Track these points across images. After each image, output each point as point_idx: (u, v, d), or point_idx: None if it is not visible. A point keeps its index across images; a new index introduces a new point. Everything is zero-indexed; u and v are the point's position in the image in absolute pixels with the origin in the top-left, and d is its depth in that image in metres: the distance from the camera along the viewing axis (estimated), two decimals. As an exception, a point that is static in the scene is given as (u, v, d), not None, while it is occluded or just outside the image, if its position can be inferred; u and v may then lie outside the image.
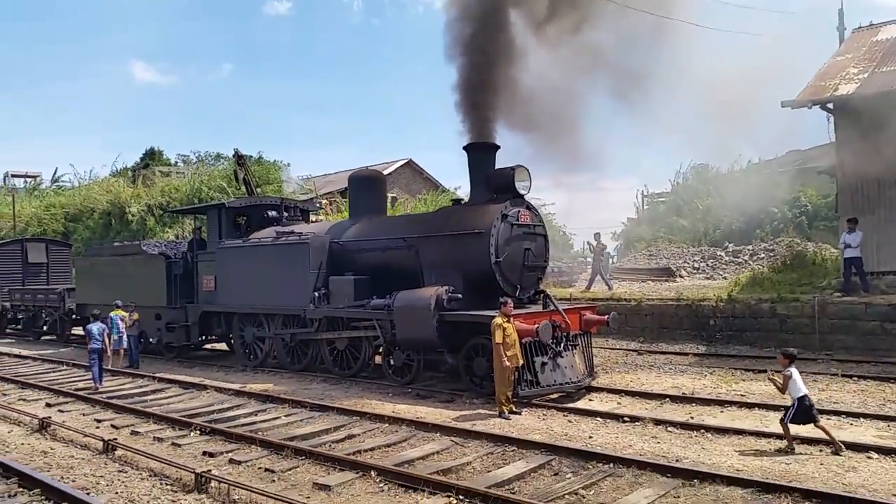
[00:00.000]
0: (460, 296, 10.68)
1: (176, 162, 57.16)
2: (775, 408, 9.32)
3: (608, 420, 9.05)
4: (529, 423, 8.98)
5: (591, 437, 8.25)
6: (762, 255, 22.94)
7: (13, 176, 57.78)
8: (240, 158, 24.82)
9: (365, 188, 13.65)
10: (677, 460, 7.18)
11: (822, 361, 12.63)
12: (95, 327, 12.57)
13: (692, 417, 9.07)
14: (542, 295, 11.31)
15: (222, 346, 17.59)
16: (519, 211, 11.15)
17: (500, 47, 11.68)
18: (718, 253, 24.87)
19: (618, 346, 15.57)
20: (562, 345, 10.47)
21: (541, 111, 12.56)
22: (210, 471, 7.01)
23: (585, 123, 13.02)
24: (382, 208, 13.96)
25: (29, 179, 56.85)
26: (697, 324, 15.41)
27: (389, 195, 44.50)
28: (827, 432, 7.44)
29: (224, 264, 14.62)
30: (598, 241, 18.90)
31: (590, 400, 10.43)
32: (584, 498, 6.27)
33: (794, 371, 7.70)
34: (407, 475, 6.78)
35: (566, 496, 6.29)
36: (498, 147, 11.62)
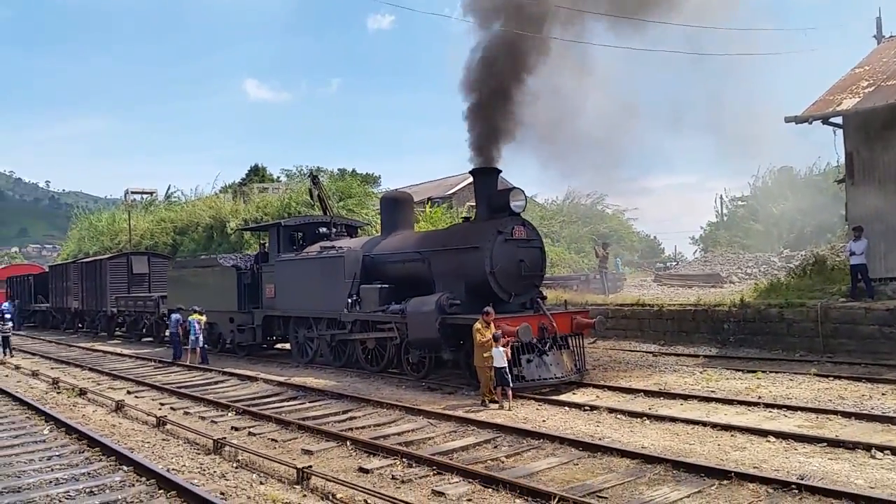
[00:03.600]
0: (459, 302, 12.27)
1: (279, 177, 61.20)
2: (730, 402, 10.44)
3: (572, 409, 10.42)
4: (502, 411, 10.47)
5: (544, 421, 9.68)
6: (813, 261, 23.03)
7: (132, 192, 63.72)
8: (314, 179, 27.36)
9: (394, 207, 15.51)
10: (601, 439, 8.53)
11: (816, 363, 13.33)
12: (173, 317, 15.32)
13: (650, 409, 10.26)
14: (535, 300, 12.71)
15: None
16: (514, 227, 12.64)
17: (512, 87, 13.18)
18: (772, 258, 25.10)
19: (639, 349, 16.63)
20: (548, 344, 11.87)
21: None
22: (225, 438, 8.98)
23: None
24: (410, 224, 15.74)
25: (145, 195, 62.54)
26: (713, 328, 16.25)
27: (469, 204, 46.64)
28: (505, 395, 10.61)
29: (281, 274, 16.83)
30: (604, 249, 20.09)
31: (573, 393, 11.77)
32: (502, 462, 7.79)
33: (496, 349, 10.53)
34: (370, 444, 8.51)
35: (488, 461, 7.83)
36: (499, 171, 13.15)
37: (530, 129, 13.89)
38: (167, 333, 15.33)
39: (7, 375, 16.99)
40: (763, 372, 12.66)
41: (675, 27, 15.67)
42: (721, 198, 45.56)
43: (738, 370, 13.14)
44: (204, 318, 17.60)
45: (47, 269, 37.70)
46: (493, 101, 13.08)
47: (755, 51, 18.61)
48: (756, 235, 37.69)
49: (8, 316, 22.38)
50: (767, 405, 10.05)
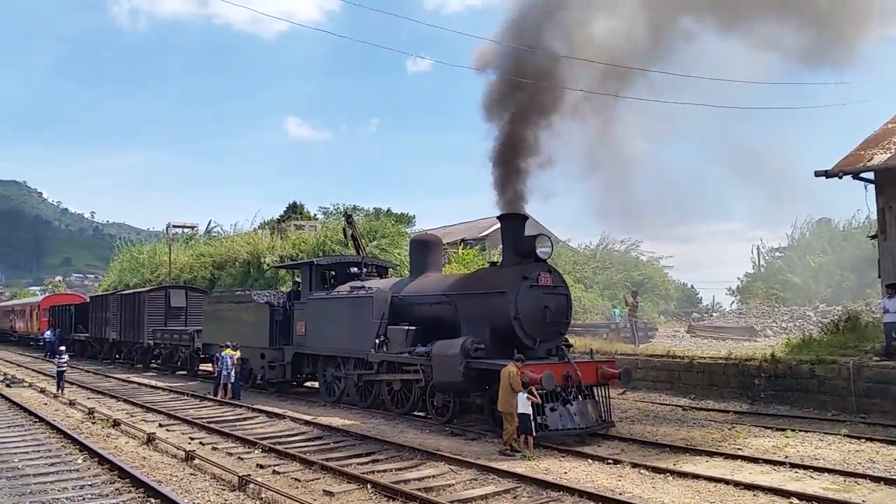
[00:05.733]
0: (484, 346, 12.38)
1: (315, 215, 62.21)
2: (755, 460, 10.30)
3: (594, 461, 10.37)
4: (524, 461, 10.46)
5: (566, 473, 9.66)
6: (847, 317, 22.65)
7: (174, 226, 65.34)
8: (349, 218, 27.86)
9: (423, 249, 15.76)
10: (621, 494, 8.49)
11: (848, 423, 13.07)
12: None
13: (674, 465, 10.16)
14: (560, 348, 12.75)
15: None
16: (540, 273, 12.78)
17: (535, 135, 13.44)
18: (808, 313, 24.72)
19: (669, 402, 16.44)
20: (572, 394, 11.87)
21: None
22: (250, 475, 9.15)
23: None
24: (438, 267, 15.97)
25: (186, 230, 64.04)
26: (744, 382, 16.03)
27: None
28: (527, 443, 10.73)
29: (312, 312, 17.15)
30: (634, 297, 20.04)
31: (598, 445, 11.69)
32: (520, 514, 7.82)
33: (520, 396, 10.71)
34: (390, 487, 8.60)
35: (506, 512, 7.87)
36: (527, 217, 13.36)
37: (562, 172, 14.20)
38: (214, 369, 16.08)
39: (46, 404, 17.47)
40: (792, 430, 12.44)
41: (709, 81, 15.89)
42: (758, 248, 44.94)
43: (768, 427, 12.93)
44: (237, 354, 17.93)
45: (88, 300, 38.70)
46: (517, 145, 13.30)
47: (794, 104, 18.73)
48: (793, 288, 37.07)
49: (63, 348, 20.84)
50: (794, 465, 9.90)
